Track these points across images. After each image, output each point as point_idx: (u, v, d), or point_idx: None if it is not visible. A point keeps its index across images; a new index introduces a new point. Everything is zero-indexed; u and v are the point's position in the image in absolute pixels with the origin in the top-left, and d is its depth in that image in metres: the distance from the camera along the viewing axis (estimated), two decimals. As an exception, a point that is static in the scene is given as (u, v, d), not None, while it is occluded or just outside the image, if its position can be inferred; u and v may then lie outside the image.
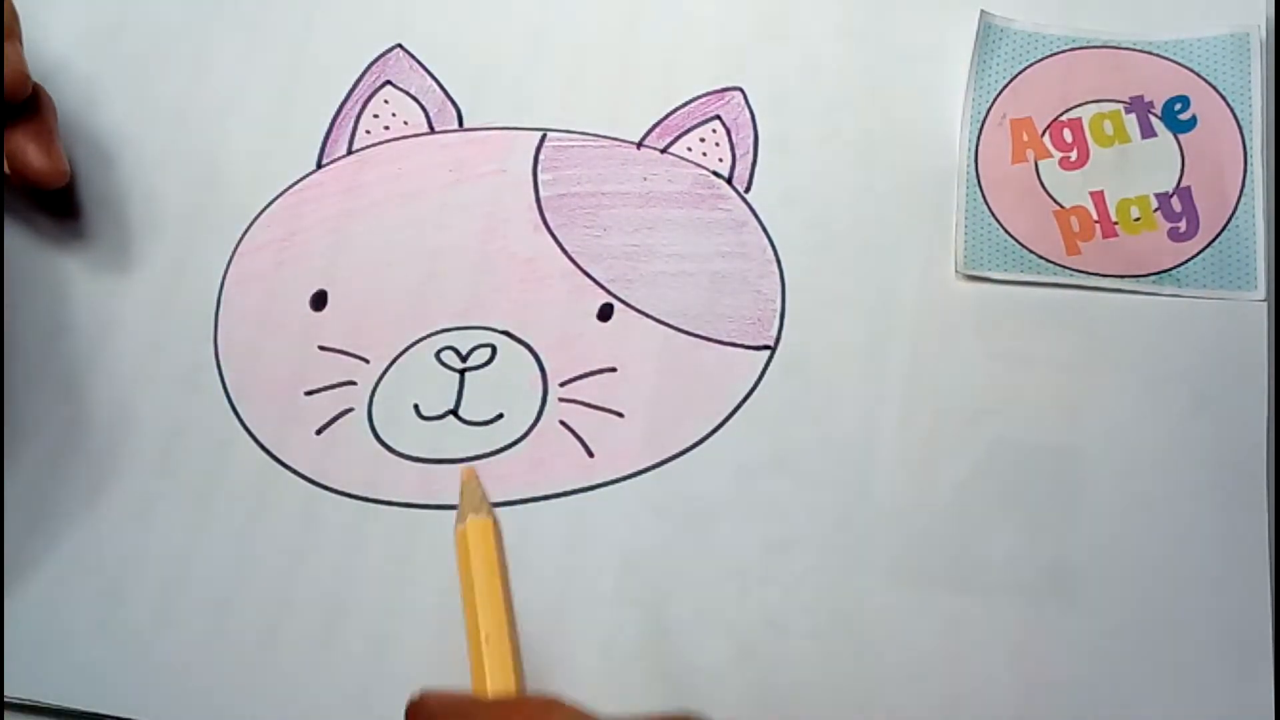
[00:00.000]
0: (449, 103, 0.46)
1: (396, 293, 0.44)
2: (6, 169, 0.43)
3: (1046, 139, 0.44)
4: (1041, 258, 0.42)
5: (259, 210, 0.45)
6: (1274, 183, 0.43)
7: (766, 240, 0.43)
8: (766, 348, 0.42)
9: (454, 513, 0.40)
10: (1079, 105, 0.44)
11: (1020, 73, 0.45)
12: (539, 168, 0.45)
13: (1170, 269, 0.42)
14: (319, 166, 0.46)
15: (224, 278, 0.44)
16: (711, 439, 0.41)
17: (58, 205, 0.45)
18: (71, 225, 0.45)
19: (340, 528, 0.41)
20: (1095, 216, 0.43)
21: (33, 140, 0.43)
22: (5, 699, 0.39)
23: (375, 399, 0.42)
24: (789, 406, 0.41)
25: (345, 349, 0.43)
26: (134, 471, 0.42)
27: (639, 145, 0.45)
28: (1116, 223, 0.43)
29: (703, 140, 0.45)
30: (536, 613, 0.39)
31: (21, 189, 0.44)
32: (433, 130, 0.46)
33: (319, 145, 0.46)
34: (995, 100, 0.44)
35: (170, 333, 0.44)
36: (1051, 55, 0.45)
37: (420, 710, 0.32)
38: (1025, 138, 0.44)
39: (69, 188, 0.44)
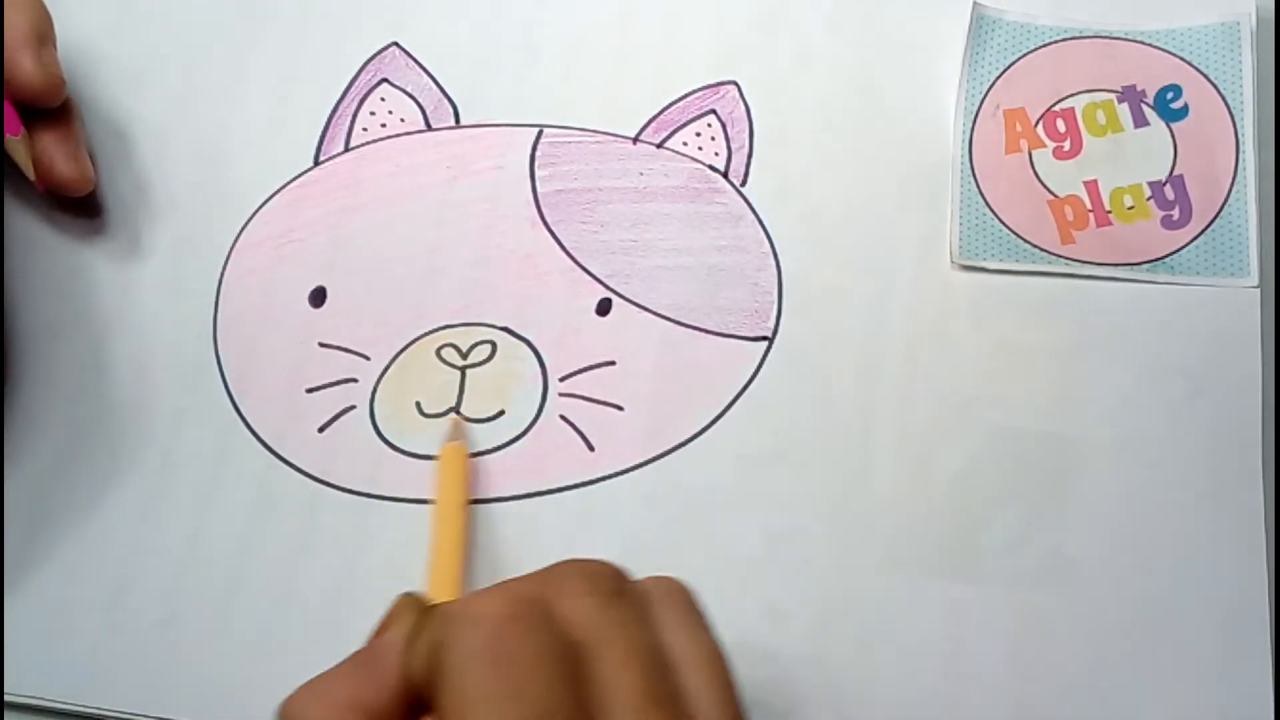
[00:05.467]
0: (445, 100, 0.46)
1: (396, 290, 0.44)
2: (32, 175, 0.43)
3: (1040, 129, 0.44)
4: (1036, 247, 0.43)
5: (257, 207, 0.45)
6: (1265, 170, 0.43)
7: (763, 233, 0.44)
8: (764, 339, 0.42)
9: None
10: (1072, 95, 0.44)
11: (1013, 63, 0.45)
12: (536, 164, 0.45)
13: (1164, 257, 0.42)
14: (316, 164, 0.46)
15: (222, 274, 0.44)
16: (711, 430, 0.41)
17: (59, 204, 0.45)
18: (71, 222, 0.45)
19: (343, 524, 0.41)
20: (1089, 205, 0.43)
21: (60, 147, 0.43)
22: (6, 698, 0.39)
23: (377, 396, 0.42)
24: (787, 397, 0.42)
25: (346, 346, 0.43)
26: (137, 470, 0.42)
27: (635, 140, 0.45)
28: (1110, 211, 0.43)
29: (698, 134, 0.45)
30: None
31: (45, 193, 0.44)
32: (429, 127, 0.46)
33: (316, 142, 0.46)
34: (988, 91, 0.45)
35: (171, 329, 0.44)
36: (1044, 45, 0.45)
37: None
38: (1019, 128, 0.44)
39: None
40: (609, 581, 0.31)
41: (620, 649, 0.29)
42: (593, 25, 0.47)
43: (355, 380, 0.43)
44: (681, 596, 0.32)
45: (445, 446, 0.41)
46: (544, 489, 0.41)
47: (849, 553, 0.39)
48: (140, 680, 0.39)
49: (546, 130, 0.46)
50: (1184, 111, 0.44)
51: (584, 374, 0.42)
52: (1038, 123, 0.44)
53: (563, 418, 0.42)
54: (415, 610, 0.32)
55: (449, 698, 0.28)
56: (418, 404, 0.42)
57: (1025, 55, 0.45)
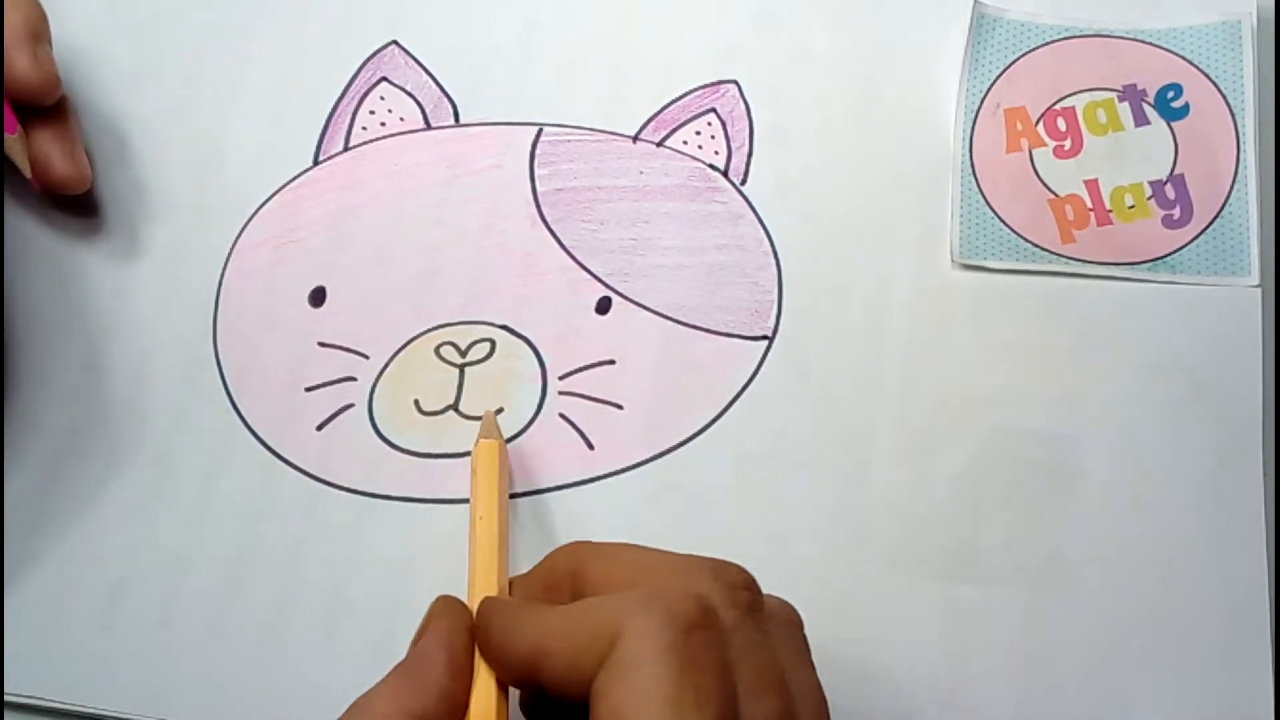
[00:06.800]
0: (445, 99, 0.46)
1: (395, 289, 0.44)
2: (28, 173, 0.43)
3: (1040, 128, 0.44)
4: (1036, 246, 0.43)
5: (256, 207, 0.45)
6: (1266, 169, 0.43)
7: (763, 232, 0.44)
8: (764, 338, 0.42)
9: (456, 507, 0.41)
10: (1072, 94, 0.44)
11: (1014, 62, 0.45)
12: (535, 163, 0.45)
13: (1164, 256, 0.42)
14: (316, 163, 0.46)
15: (222, 274, 0.44)
16: (710, 430, 0.41)
17: (57, 202, 0.45)
18: (69, 222, 0.45)
19: (341, 523, 0.41)
20: (1089, 205, 0.43)
21: (56, 144, 0.43)
22: (6, 698, 0.39)
23: (375, 395, 0.42)
24: (787, 397, 0.41)
25: (345, 345, 0.43)
26: (135, 469, 0.42)
27: (635, 139, 0.45)
28: (1110, 211, 0.43)
29: (698, 133, 0.45)
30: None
31: (42, 192, 0.44)
32: (429, 126, 0.46)
33: (316, 142, 0.46)
34: (989, 90, 0.45)
35: (170, 329, 0.44)
36: (1045, 44, 0.45)
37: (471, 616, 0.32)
38: (1019, 127, 0.44)
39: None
40: (746, 595, 0.30)
41: (755, 671, 0.29)
42: (593, 25, 0.47)
43: (354, 379, 0.42)
44: (799, 628, 0.32)
45: (479, 444, 0.40)
46: (543, 487, 0.41)
47: (849, 552, 0.39)
48: (139, 680, 0.39)
49: (546, 129, 0.46)
50: (1185, 110, 0.44)
51: (583, 372, 0.42)
52: (1038, 121, 0.44)
53: (562, 416, 0.42)
54: (455, 613, 0.32)
55: (626, 689, 0.27)
56: (416, 402, 0.42)
57: (1026, 54, 0.45)
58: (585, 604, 0.30)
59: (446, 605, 0.33)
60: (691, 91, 0.46)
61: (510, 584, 0.35)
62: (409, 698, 0.31)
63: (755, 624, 0.30)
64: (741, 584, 0.31)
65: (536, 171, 0.45)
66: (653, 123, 0.45)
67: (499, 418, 0.42)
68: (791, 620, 0.32)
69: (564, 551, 0.33)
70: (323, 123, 0.46)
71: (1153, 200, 0.43)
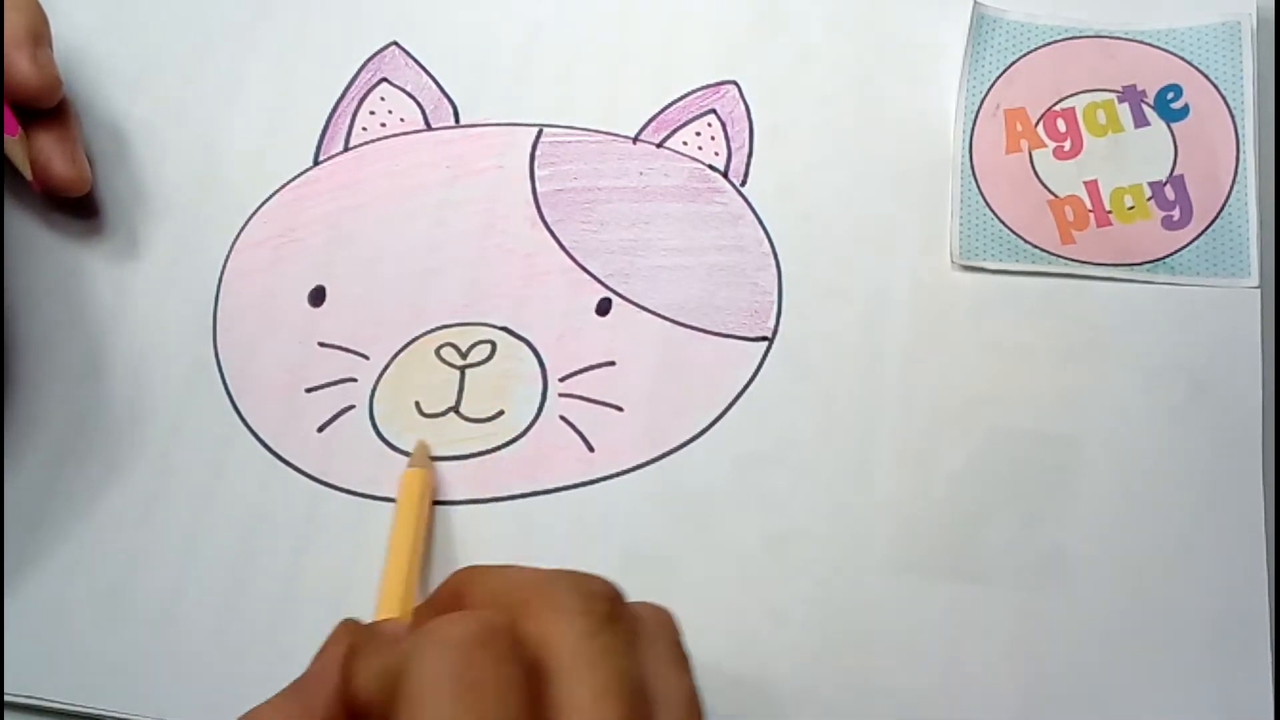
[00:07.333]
0: (445, 99, 0.46)
1: (395, 289, 0.44)
2: (29, 175, 0.43)
3: (1040, 129, 0.44)
4: (1036, 247, 0.43)
5: (256, 206, 0.45)
6: (1265, 170, 0.43)
7: (763, 233, 0.44)
8: (764, 339, 0.42)
9: (456, 509, 0.41)
10: (1072, 95, 0.44)
11: (1014, 63, 0.45)
12: (535, 163, 0.45)
13: (1164, 257, 0.42)
14: (316, 163, 0.46)
15: (222, 274, 0.44)
16: (710, 431, 0.41)
17: (57, 204, 0.45)
18: (70, 223, 0.45)
19: (342, 525, 0.41)
20: (1089, 206, 0.43)
21: (57, 147, 0.43)
22: (6, 698, 0.39)
23: (376, 396, 0.42)
24: (787, 398, 0.41)
25: (345, 345, 0.43)
26: (136, 470, 0.42)
27: (635, 140, 0.45)
28: (1110, 211, 0.43)
29: (698, 134, 0.45)
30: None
31: (43, 194, 0.44)
32: (429, 127, 0.46)
33: (316, 142, 0.46)
34: (989, 91, 0.45)
35: (169, 330, 0.44)
36: (1045, 45, 0.45)
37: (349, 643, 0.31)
38: (1019, 128, 0.44)
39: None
40: (604, 604, 0.30)
41: (600, 678, 0.28)
42: (593, 25, 0.47)
43: (354, 380, 0.43)
44: (670, 632, 0.31)
45: (405, 472, 0.40)
46: (543, 489, 0.41)
47: (849, 553, 0.39)
48: (140, 680, 0.39)
49: (546, 130, 0.46)
50: (1184, 111, 0.44)
51: (584, 374, 0.42)
52: (1038, 122, 0.44)
53: (562, 418, 0.42)
54: (352, 633, 0.32)
55: None
56: (417, 404, 0.42)
57: (1026, 55, 0.45)
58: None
59: (347, 629, 0.32)
60: (692, 92, 0.46)
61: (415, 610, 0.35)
62: (296, 716, 0.30)
63: (610, 632, 0.29)
64: (600, 594, 0.30)
65: (537, 172, 0.45)
66: (653, 123, 0.45)
67: (499, 420, 0.42)
68: (661, 624, 0.31)
69: (454, 576, 0.33)
70: (323, 123, 0.46)
71: (1152, 201, 0.43)
